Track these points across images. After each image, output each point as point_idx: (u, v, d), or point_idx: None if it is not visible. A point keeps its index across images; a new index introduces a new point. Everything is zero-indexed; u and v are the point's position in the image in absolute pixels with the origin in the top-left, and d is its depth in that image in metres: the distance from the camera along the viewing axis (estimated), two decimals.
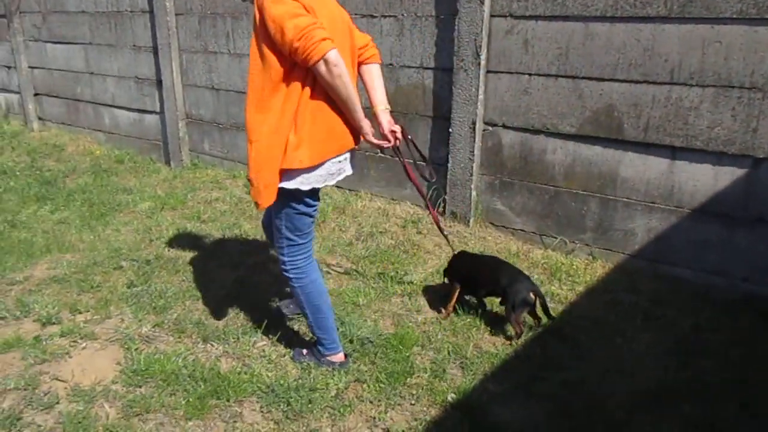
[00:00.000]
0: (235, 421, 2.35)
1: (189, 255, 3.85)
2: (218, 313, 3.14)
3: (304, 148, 2.25)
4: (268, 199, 2.30)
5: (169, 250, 3.92)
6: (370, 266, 3.61)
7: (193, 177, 5.56)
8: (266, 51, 2.16)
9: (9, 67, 7.78)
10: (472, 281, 2.99)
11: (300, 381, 2.55)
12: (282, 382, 2.54)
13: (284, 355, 2.76)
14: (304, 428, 2.31)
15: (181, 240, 4.08)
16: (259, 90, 2.22)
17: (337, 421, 2.35)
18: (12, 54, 7.54)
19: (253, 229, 4.23)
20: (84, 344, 2.88)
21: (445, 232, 3.06)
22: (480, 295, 3.08)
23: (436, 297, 3.26)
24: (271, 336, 2.91)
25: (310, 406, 2.40)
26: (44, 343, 2.88)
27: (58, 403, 2.47)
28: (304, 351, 2.72)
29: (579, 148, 3.54)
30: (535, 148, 3.71)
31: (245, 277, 3.53)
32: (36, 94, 7.59)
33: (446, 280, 3.15)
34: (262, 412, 2.41)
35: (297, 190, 2.32)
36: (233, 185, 5.22)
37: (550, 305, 3.08)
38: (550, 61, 3.51)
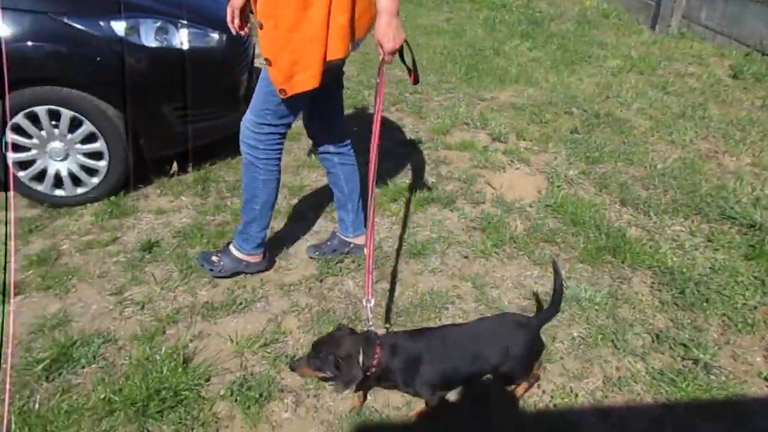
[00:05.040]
0: (621, 283, 2.35)
1: (637, 119, 3.71)
2: (647, 182, 3.03)
3: None
4: None
5: (621, 110, 3.86)
6: None
7: (674, 46, 5.13)
8: None
9: None
10: None
11: (706, 278, 2.34)
12: (685, 270, 2.38)
13: (696, 248, 2.54)
14: (689, 321, 2.15)
15: (638, 103, 3.94)
16: None
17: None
18: None
19: (718, 115, 3.76)
20: (518, 166, 3.20)
21: None
22: None
23: None
24: (693, 223, 2.69)
25: (704, 305, 2.21)
26: (489, 153, 3.31)
27: (483, 202, 2.88)
28: (213, 258, 2.32)
29: None
30: None
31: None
32: None
33: None
34: (651, 287, 2.33)
35: None
36: (717, 64, 4.64)
37: None
38: None
